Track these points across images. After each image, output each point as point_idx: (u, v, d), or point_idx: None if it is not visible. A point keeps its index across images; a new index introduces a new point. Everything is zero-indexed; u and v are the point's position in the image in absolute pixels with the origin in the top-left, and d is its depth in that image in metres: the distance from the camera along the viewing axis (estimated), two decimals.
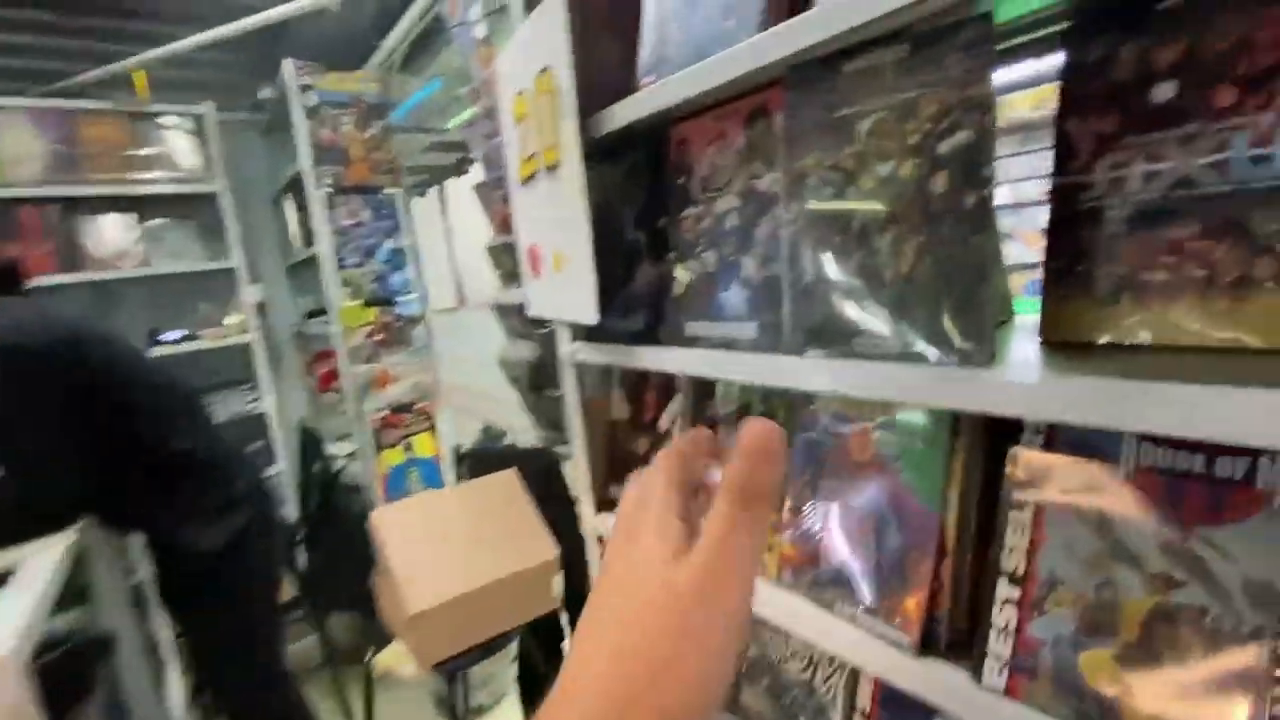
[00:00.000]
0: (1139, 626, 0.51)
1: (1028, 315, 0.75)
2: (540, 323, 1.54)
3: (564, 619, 1.65)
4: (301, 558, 2.39)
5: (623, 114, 0.84)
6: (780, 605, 0.75)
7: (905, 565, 0.66)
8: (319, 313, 2.80)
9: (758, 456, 0.30)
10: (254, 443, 2.77)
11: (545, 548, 1.50)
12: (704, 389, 0.95)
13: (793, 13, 0.71)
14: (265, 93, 2.65)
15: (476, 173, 1.75)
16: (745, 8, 0.72)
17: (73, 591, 1.31)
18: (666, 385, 0.99)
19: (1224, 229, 0.52)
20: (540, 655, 1.65)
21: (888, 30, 0.60)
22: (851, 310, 0.65)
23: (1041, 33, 0.72)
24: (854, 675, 0.78)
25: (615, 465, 1.08)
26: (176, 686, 1.74)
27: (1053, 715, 0.55)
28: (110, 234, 2.53)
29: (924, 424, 0.66)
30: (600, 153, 0.90)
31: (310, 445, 2.69)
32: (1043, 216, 0.63)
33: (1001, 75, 0.88)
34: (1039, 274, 0.62)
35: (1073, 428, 0.57)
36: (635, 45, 0.95)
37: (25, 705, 0.88)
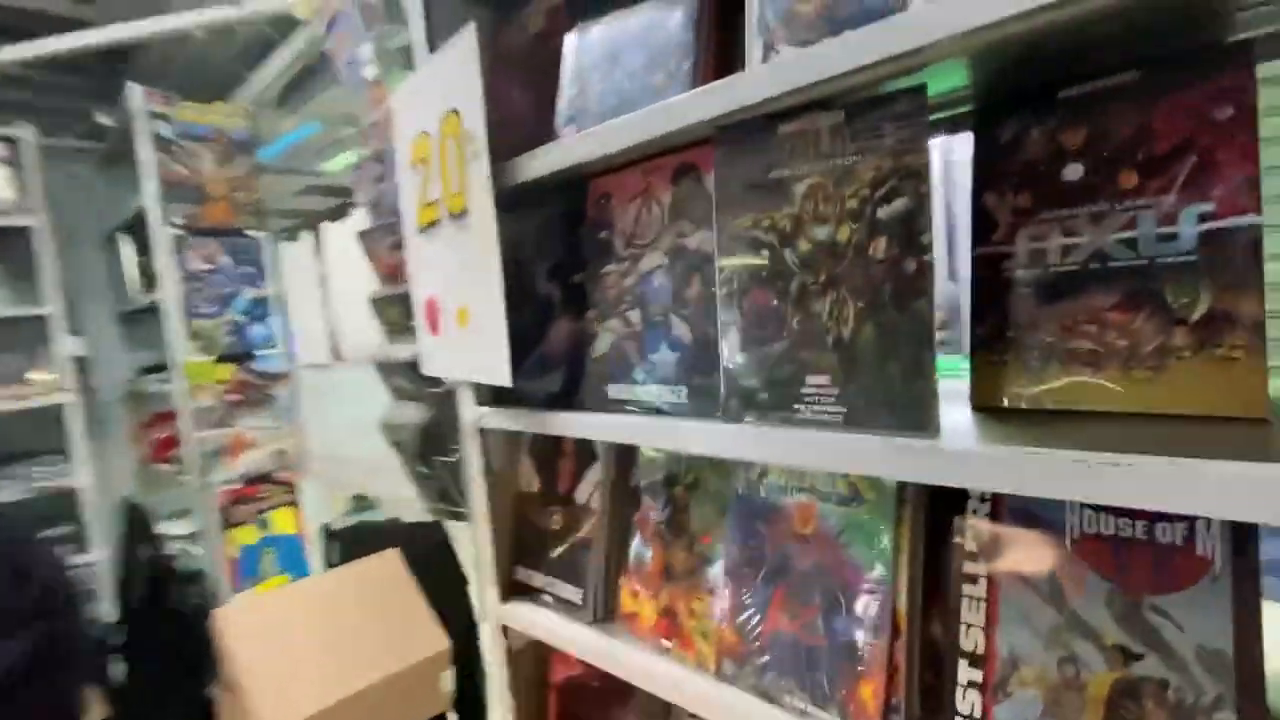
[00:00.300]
0: (1104, 705, 0.50)
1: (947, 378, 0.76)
2: (433, 382, 1.40)
3: None
4: (119, 669, 1.95)
5: (541, 164, 0.78)
6: (720, 702, 0.68)
7: (857, 648, 0.61)
8: (159, 368, 2.42)
9: None
10: (57, 526, 2.28)
11: (433, 639, 1.32)
12: (626, 456, 0.88)
13: (719, 71, 0.71)
14: (104, 119, 2.32)
15: (360, 218, 1.61)
16: (673, 63, 0.70)
17: None
18: (585, 452, 0.91)
19: (1140, 301, 0.54)
20: None
21: (822, 96, 0.60)
22: (792, 375, 0.62)
23: (946, 114, 0.76)
24: None
25: (524, 543, 0.97)
26: None
27: None
28: None
29: (869, 494, 0.63)
30: (509, 202, 0.83)
31: (137, 525, 2.25)
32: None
33: None
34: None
35: (1016, 494, 0.56)
36: (546, 93, 0.91)
37: None
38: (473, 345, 0.86)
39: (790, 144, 0.62)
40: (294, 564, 2.23)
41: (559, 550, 0.91)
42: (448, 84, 0.83)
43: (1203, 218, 0.52)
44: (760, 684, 0.67)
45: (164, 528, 2.33)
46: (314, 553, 2.24)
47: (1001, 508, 0.58)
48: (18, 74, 1.98)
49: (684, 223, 0.73)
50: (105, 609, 2.29)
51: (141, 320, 2.51)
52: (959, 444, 0.51)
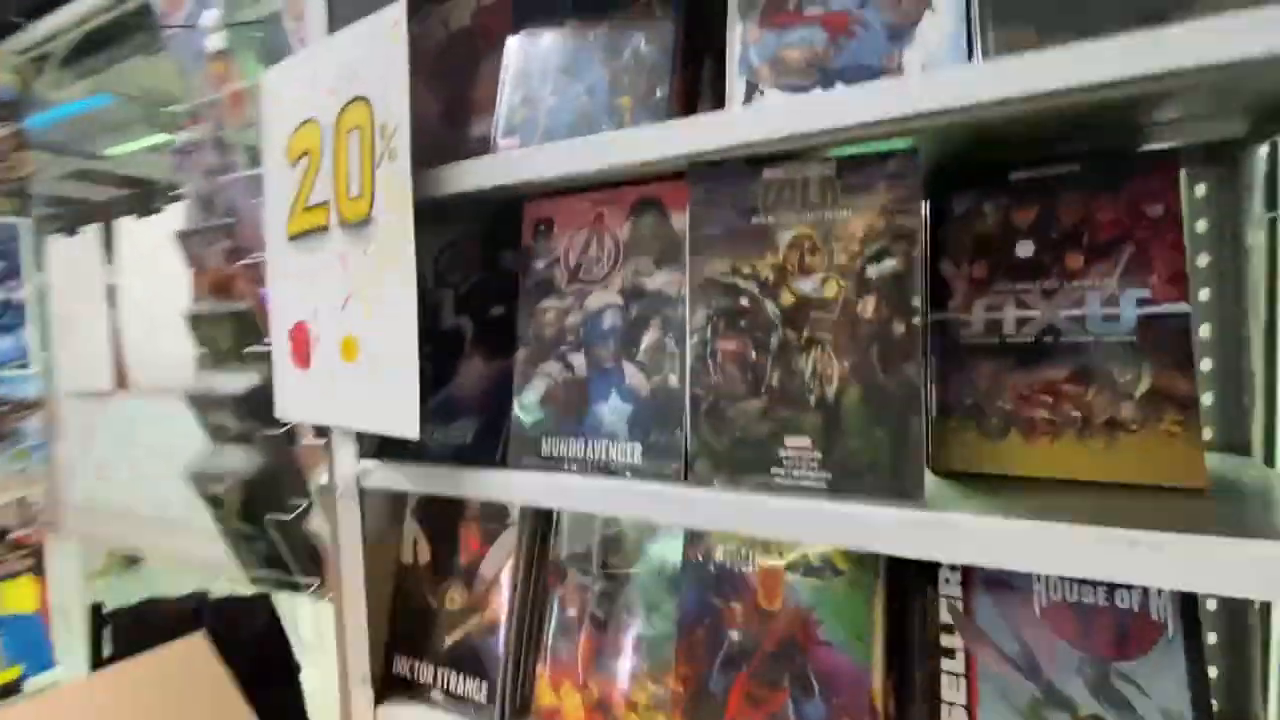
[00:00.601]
0: None
1: None
2: (271, 423, 1.15)
3: None
4: None
5: (475, 178, 0.67)
6: None
7: None
8: None
9: None
10: None
11: None
12: (546, 519, 0.77)
13: (689, 99, 0.66)
14: None
15: (179, 216, 1.31)
16: (644, 87, 0.63)
17: None
18: (493, 516, 0.77)
19: (1090, 375, 0.58)
20: None
21: (812, 146, 0.57)
22: (769, 436, 0.57)
23: None
24: None
25: (407, 628, 0.79)
26: None
27: None
28: None
29: (844, 564, 0.59)
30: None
31: None
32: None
33: None
34: None
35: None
36: (458, 98, 0.80)
37: None
38: (363, 385, 0.70)
39: (775, 190, 0.59)
40: (31, 653, 1.68)
41: (456, 636, 0.76)
42: (355, 67, 0.69)
43: (1141, 303, 0.57)
44: None
45: None
46: (72, 638, 1.70)
47: (972, 576, 0.58)
48: None
49: (643, 260, 0.66)
50: None
51: None
52: (954, 516, 0.49)
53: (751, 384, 0.59)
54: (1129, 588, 0.53)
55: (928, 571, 0.59)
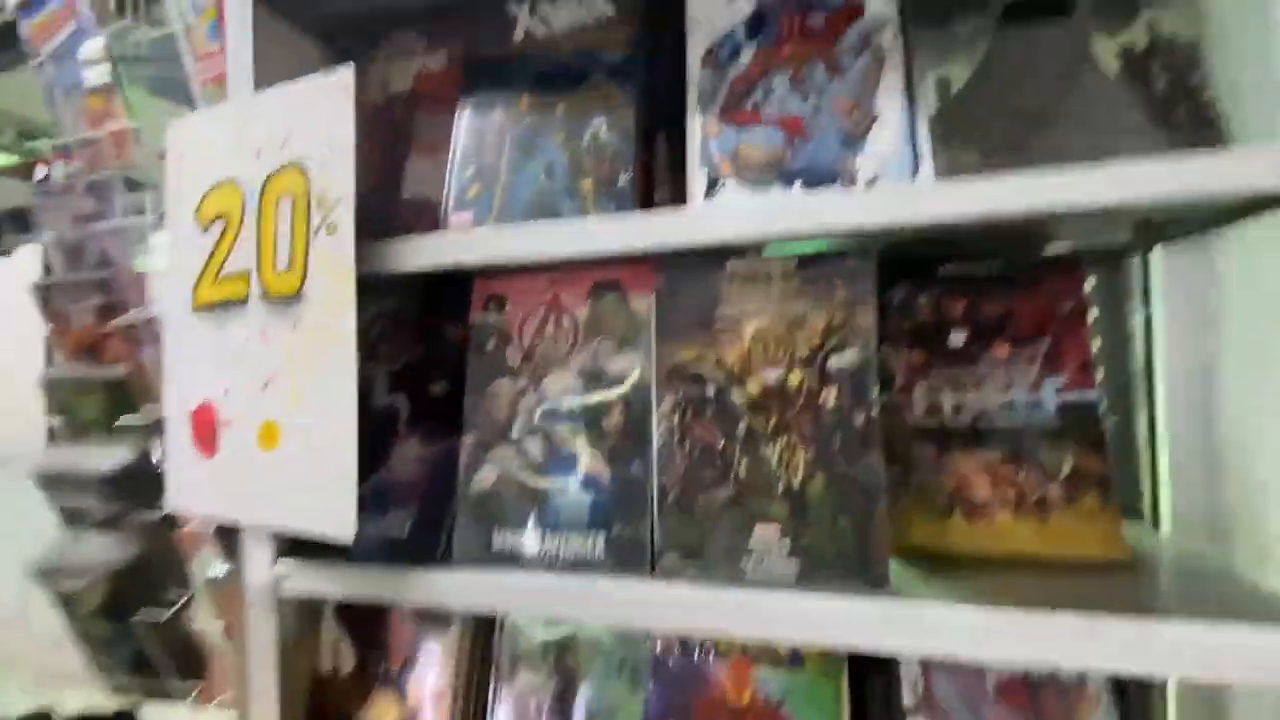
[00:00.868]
0: None
1: None
2: (146, 505, 1.00)
3: None
4: None
5: (425, 256, 0.63)
6: None
7: None
8: None
9: None
10: None
11: None
12: (487, 618, 0.71)
13: (645, 173, 0.66)
14: None
15: (35, 262, 1.13)
16: (606, 172, 0.63)
17: None
18: (427, 616, 0.70)
19: (1022, 458, 0.63)
20: None
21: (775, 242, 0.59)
22: (739, 526, 0.57)
23: None
24: None
25: None
26: None
27: None
28: None
29: (812, 653, 0.59)
30: None
31: None
32: None
33: None
34: None
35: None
36: (390, 166, 0.76)
37: None
38: (285, 477, 0.63)
39: (740, 281, 0.60)
40: None
41: None
42: (289, 130, 0.63)
43: (1059, 390, 0.63)
44: None
45: None
46: None
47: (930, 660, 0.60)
48: None
49: (604, 342, 0.64)
50: None
51: None
52: (920, 610, 0.51)
53: (720, 472, 0.58)
54: None
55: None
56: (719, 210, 0.57)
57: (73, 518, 1.05)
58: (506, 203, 0.65)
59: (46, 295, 1.05)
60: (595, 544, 0.61)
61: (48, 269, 1.10)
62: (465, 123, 0.70)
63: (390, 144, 0.78)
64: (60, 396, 1.05)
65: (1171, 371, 0.72)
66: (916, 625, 0.49)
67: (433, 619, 0.71)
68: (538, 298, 0.67)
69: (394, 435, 0.73)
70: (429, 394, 0.73)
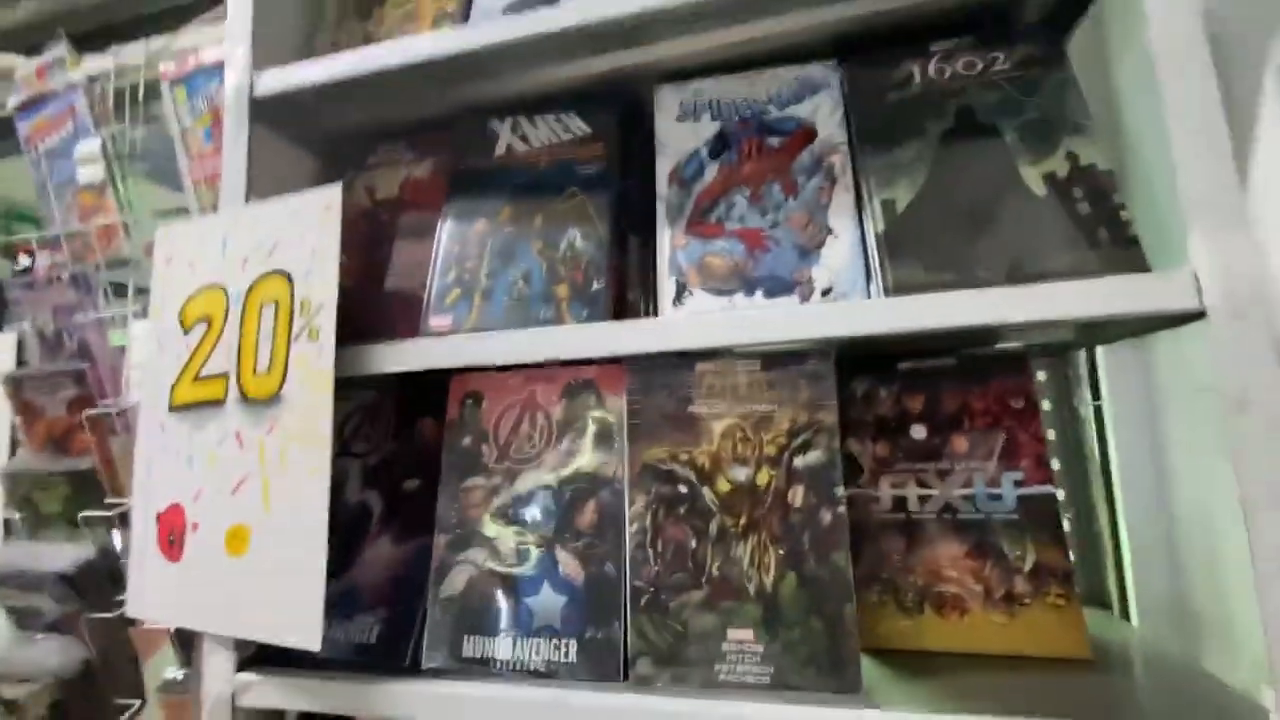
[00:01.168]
0: None
1: None
2: (103, 605, 0.96)
3: None
4: None
5: (406, 359, 0.65)
6: None
7: None
8: None
9: None
10: None
11: None
12: None
13: (622, 289, 0.70)
14: None
15: (6, 350, 1.12)
16: (581, 279, 0.67)
17: None
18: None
19: (986, 551, 0.64)
20: None
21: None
22: (713, 629, 0.57)
23: None
24: None
25: None
26: None
27: None
28: None
29: None
30: None
31: None
32: None
33: None
34: None
35: None
36: (372, 269, 0.79)
37: None
38: (252, 584, 0.62)
39: (708, 382, 0.62)
40: None
41: None
42: (276, 240, 0.66)
43: (1017, 484, 0.65)
44: None
45: None
46: None
47: None
48: None
49: (578, 440, 0.66)
50: None
51: None
52: (896, 717, 0.51)
53: (693, 573, 0.59)
54: None
55: None
56: (686, 319, 0.60)
57: (22, 618, 1.00)
58: (484, 307, 0.68)
59: (18, 385, 1.05)
60: (568, 649, 0.60)
61: (20, 359, 1.10)
62: (447, 229, 0.73)
63: (374, 248, 0.81)
64: (22, 490, 1.02)
65: (1125, 461, 0.75)
66: None
67: None
68: (513, 395, 0.69)
69: (365, 534, 0.72)
70: (402, 490, 0.73)
